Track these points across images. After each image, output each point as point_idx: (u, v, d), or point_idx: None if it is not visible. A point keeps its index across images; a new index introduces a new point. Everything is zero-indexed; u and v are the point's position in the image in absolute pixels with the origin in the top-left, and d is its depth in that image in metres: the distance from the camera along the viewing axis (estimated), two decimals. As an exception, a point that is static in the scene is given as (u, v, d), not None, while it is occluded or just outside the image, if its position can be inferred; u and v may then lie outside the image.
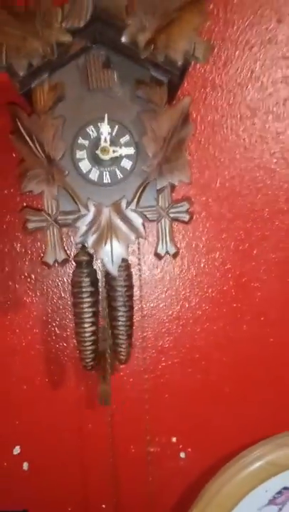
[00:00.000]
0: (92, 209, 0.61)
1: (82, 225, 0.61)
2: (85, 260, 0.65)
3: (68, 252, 0.63)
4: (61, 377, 0.80)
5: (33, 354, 0.79)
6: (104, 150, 0.59)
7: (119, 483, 0.78)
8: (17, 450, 0.80)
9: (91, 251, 0.63)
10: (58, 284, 0.79)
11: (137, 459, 0.80)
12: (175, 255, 0.63)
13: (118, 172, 0.61)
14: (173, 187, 0.62)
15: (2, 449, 0.80)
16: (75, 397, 0.80)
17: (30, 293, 0.79)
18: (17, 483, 0.80)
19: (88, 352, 0.67)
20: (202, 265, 0.80)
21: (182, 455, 0.82)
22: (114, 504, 0.77)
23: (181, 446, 0.82)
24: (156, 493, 0.79)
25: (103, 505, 0.81)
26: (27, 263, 0.78)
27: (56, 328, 0.80)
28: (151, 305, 0.80)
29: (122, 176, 0.61)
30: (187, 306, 0.81)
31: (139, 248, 0.74)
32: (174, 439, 0.82)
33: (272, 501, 0.78)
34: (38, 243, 0.78)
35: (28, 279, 0.78)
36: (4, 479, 0.80)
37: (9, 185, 0.76)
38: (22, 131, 0.59)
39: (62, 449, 0.81)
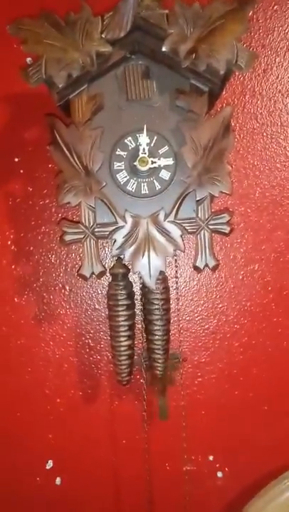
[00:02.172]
0: (130, 221, 0.59)
1: (119, 237, 0.60)
2: (121, 273, 0.64)
3: (104, 263, 0.62)
4: (95, 390, 0.78)
5: (67, 367, 0.78)
6: (143, 161, 0.58)
7: (154, 501, 0.76)
8: (50, 464, 0.79)
9: (128, 263, 0.62)
10: (93, 296, 0.78)
11: (172, 478, 0.78)
12: (215, 268, 0.61)
13: (156, 183, 0.60)
14: (212, 198, 0.60)
15: (35, 463, 0.79)
16: (109, 412, 0.78)
17: (64, 304, 0.78)
18: (49, 498, 0.79)
19: (124, 366, 0.65)
20: (240, 277, 0.78)
21: (219, 474, 0.79)
22: (149, 523, 0.75)
23: (218, 465, 0.79)
24: (192, 513, 0.77)
25: (137, 524, 0.79)
26: (61, 274, 0.78)
27: (90, 341, 0.79)
28: (188, 318, 0.78)
29: (160, 187, 0.60)
30: (224, 319, 0.78)
31: (176, 260, 0.72)
32: (210, 458, 0.79)
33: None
34: (73, 254, 0.77)
35: (63, 291, 0.78)
36: (37, 494, 0.79)
37: (45, 196, 0.76)
38: (60, 142, 0.58)
39: (96, 465, 0.79)
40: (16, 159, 0.75)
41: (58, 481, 0.79)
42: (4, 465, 0.79)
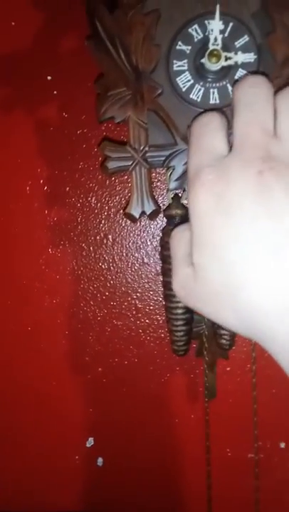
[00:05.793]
0: (194, 142, 0.45)
1: (179, 165, 0.45)
2: (179, 214, 0.50)
3: (158, 201, 0.48)
4: (143, 359, 0.66)
5: (110, 331, 0.66)
6: (214, 55, 0.42)
7: (214, 492, 0.64)
8: (90, 442, 0.68)
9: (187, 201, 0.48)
10: (140, 247, 0.65)
11: (235, 466, 0.65)
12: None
13: (231, 89, 0.44)
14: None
15: (73, 440, 0.68)
16: (159, 385, 0.66)
17: (106, 257, 0.65)
18: (89, 482, 0.69)
19: (180, 333, 0.53)
20: None
21: (292, 464, 0.66)
22: (207, 517, 0.64)
23: (290, 453, 0.66)
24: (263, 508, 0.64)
25: (191, 516, 0.68)
26: (103, 221, 0.64)
27: (137, 301, 0.66)
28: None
29: (236, 94, 0.44)
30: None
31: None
32: (282, 445, 0.66)
33: None
34: (117, 197, 0.64)
35: (105, 241, 0.65)
36: (75, 476, 0.69)
37: (83, 124, 0.62)
38: (102, 34, 0.43)
39: (143, 446, 0.67)
40: (49, 77, 0.61)
41: (99, 461, 0.68)
42: (39, 440, 0.68)
